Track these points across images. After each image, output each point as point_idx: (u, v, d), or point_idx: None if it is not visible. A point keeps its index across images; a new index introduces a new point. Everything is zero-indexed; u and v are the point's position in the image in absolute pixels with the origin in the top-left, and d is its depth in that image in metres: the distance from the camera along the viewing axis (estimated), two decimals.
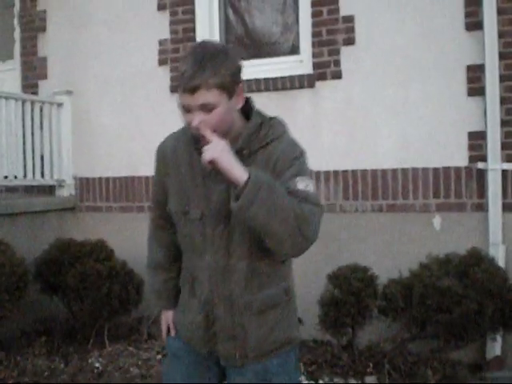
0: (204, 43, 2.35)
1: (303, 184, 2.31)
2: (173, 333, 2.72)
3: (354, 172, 5.69)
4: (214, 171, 2.29)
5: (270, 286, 2.48)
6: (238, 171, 2.21)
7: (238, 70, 2.32)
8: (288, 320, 2.54)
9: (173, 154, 2.53)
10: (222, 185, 2.36)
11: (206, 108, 2.26)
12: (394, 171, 5.58)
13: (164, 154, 2.57)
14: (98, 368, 5.17)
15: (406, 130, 5.56)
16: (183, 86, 2.25)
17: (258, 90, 5.94)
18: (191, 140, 2.44)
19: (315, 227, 2.28)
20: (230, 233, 2.41)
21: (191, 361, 2.63)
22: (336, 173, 5.74)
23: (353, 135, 5.72)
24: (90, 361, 5.27)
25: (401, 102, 5.58)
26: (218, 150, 2.22)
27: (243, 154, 2.37)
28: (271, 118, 2.48)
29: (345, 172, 5.72)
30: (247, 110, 2.45)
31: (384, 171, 5.60)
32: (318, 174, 5.78)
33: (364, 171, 5.66)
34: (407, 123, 5.56)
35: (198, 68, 2.23)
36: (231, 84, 2.28)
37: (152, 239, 2.80)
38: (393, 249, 5.52)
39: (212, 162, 2.23)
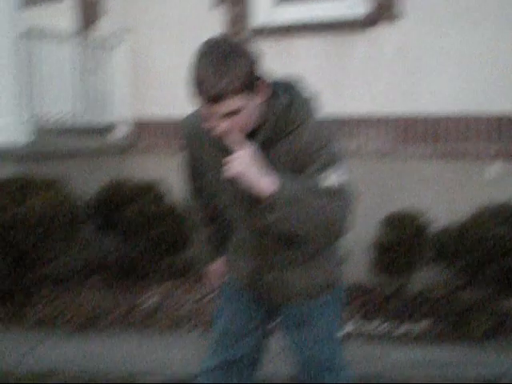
0: (216, 43, 2.18)
1: (330, 178, 2.22)
2: (222, 280, 2.79)
3: (409, 117, 5.62)
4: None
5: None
6: (264, 185, 2.15)
7: (256, 65, 2.18)
8: (330, 263, 2.58)
9: (195, 134, 2.47)
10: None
11: (231, 114, 2.16)
12: (452, 116, 5.48)
13: (188, 133, 2.52)
14: (151, 305, 5.27)
15: (465, 74, 5.44)
16: (204, 96, 2.13)
17: (311, 34, 5.86)
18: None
19: (344, 223, 2.25)
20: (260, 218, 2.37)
21: (239, 297, 2.70)
22: (391, 118, 5.68)
23: (410, 79, 5.63)
24: (143, 298, 5.37)
25: (462, 45, 5.45)
26: (242, 164, 2.15)
27: (267, 144, 2.30)
28: (294, 98, 2.32)
29: (400, 117, 5.65)
30: (269, 92, 2.30)
31: (441, 116, 5.52)
32: (374, 118, 5.72)
33: (423, 115, 5.57)
34: (468, 67, 5.43)
35: (216, 74, 2.09)
36: (253, 82, 2.17)
37: (193, 201, 2.82)
38: (447, 195, 5.47)
39: (237, 176, 2.18)
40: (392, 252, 4.96)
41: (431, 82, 5.55)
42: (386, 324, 5.01)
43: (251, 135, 2.27)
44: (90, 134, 7.22)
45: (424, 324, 4.94)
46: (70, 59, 6.46)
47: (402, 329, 4.93)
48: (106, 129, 7.03)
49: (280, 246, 2.47)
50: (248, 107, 2.17)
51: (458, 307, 4.99)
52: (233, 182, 2.26)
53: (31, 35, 6.02)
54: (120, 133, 6.92)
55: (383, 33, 5.69)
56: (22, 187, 5.34)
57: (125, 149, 6.86)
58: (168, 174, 6.19)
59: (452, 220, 5.05)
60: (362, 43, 5.77)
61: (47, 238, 5.06)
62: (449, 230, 5.01)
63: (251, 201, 2.29)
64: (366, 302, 5.32)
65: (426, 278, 5.17)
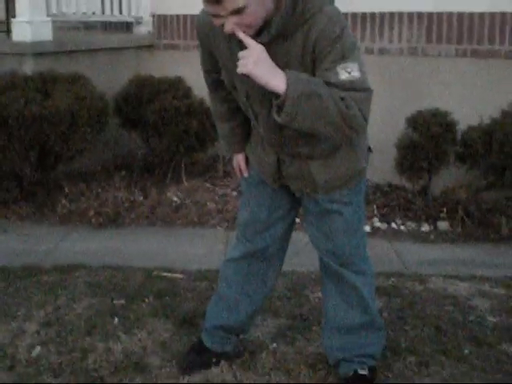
0: None
1: (345, 71, 2.14)
2: (245, 174, 2.79)
3: (438, 14, 5.47)
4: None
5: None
6: (274, 82, 2.12)
7: None
8: (354, 155, 2.56)
9: (211, 30, 2.39)
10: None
11: (237, 12, 2.08)
12: (481, 15, 5.33)
13: (204, 29, 2.44)
14: (175, 202, 5.32)
15: None
16: None
17: None
18: None
19: (364, 114, 2.17)
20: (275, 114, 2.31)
21: (264, 188, 2.72)
22: (420, 14, 5.53)
23: None
24: (168, 195, 5.41)
25: None
26: (251, 63, 2.11)
27: (280, 37, 2.21)
28: None
29: (429, 14, 5.50)
30: None
31: (471, 14, 5.36)
32: (400, 15, 5.58)
33: (449, 14, 5.43)
34: None
35: None
36: None
37: (212, 97, 2.77)
38: (475, 95, 5.38)
39: (247, 75, 2.14)
40: (416, 151, 4.92)
41: None
42: (408, 223, 5.03)
43: (264, 29, 2.20)
44: (114, 30, 7.15)
45: (446, 224, 4.95)
46: None
47: (424, 228, 4.95)
48: (129, 25, 6.93)
49: (299, 141, 2.45)
50: (253, 4, 2.09)
51: (481, 208, 4.98)
52: (247, 81, 2.23)
53: None
54: (142, 29, 6.82)
55: None
56: (47, 82, 5.33)
57: (148, 45, 6.78)
58: (191, 70, 6.12)
59: (478, 121, 4.98)
60: None
61: (72, 133, 5.07)
62: (475, 129, 4.94)
63: (265, 97, 2.28)
64: (389, 201, 5.33)
65: (449, 178, 5.14)
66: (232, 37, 2.22)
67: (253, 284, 2.86)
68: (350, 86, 2.14)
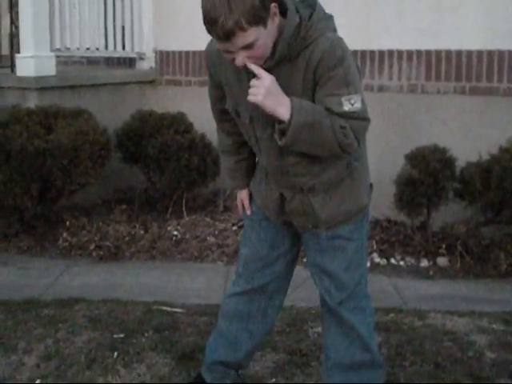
0: None
1: (349, 103, 2.25)
2: (248, 212, 2.80)
3: (437, 52, 5.54)
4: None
5: (331, 168, 2.49)
6: (280, 110, 2.23)
7: None
8: (356, 189, 2.57)
9: (218, 57, 2.45)
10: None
11: (247, 47, 2.16)
12: (480, 52, 5.40)
13: (212, 58, 2.52)
14: (176, 236, 5.34)
15: (494, 10, 5.33)
16: (216, 34, 2.13)
17: None
18: None
19: (359, 140, 2.32)
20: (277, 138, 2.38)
21: (267, 224, 2.73)
22: (419, 52, 5.60)
23: (438, 14, 5.52)
24: (168, 229, 5.44)
25: None
26: (261, 94, 2.21)
27: (284, 60, 2.29)
28: (311, 14, 2.29)
29: (428, 52, 5.57)
30: (282, 11, 2.26)
31: (469, 52, 5.43)
32: (400, 53, 5.65)
33: (448, 51, 5.50)
34: (496, 2, 5.33)
35: (224, 10, 2.07)
36: (263, 11, 2.13)
37: (219, 129, 2.81)
38: (473, 132, 5.43)
39: (257, 104, 2.24)
40: (415, 187, 4.95)
41: (456, 18, 5.44)
42: (407, 258, 5.05)
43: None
44: (116, 65, 7.23)
45: (445, 260, 4.97)
46: None
47: (423, 264, 4.97)
48: (132, 60, 7.01)
49: (300, 168, 2.48)
50: (262, 37, 2.17)
51: (480, 244, 5.00)
52: (254, 106, 2.31)
53: None
54: (145, 65, 6.90)
55: None
56: (50, 117, 5.39)
57: (150, 80, 6.85)
58: (192, 106, 6.19)
59: (477, 157, 5.02)
60: None
61: (74, 167, 5.11)
62: (474, 165, 4.98)
63: (268, 120, 2.34)
64: (388, 237, 5.35)
65: (448, 214, 5.17)
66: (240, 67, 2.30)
67: (253, 321, 2.85)
68: (351, 116, 2.27)
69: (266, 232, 2.73)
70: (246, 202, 2.81)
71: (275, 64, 2.29)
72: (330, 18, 2.36)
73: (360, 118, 2.29)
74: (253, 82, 2.24)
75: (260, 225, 2.75)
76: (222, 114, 2.71)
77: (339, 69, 2.24)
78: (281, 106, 2.23)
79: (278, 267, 2.76)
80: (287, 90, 2.28)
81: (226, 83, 2.51)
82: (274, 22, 2.21)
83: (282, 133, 2.26)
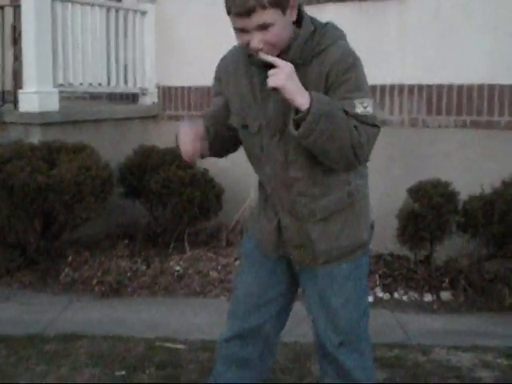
0: None
1: (362, 106, 2.27)
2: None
3: (438, 86, 5.57)
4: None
5: (333, 193, 2.47)
6: (300, 99, 2.21)
7: None
8: (356, 224, 2.53)
9: (234, 68, 2.50)
10: (279, 95, 2.32)
11: (263, 28, 2.22)
12: (481, 87, 5.43)
13: (225, 68, 2.55)
14: (178, 271, 5.33)
15: (494, 46, 5.38)
16: (237, 9, 2.20)
17: (341, 0, 5.80)
18: (247, 54, 2.39)
19: (369, 149, 2.30)
20: (286, 144, 2.40)
21: (262, 263, 2.67)
22: (420, 87, 5.64)
23: (439, 49, 5.57)
24: (170, 264, 5.43)
25: (491, 15, 5.38)
26: (282, 78, 2.21)
27: (297, 65, 2.31)
28: (325, 24, 2.39)
29: (429, 86, 5.61)
30: (298, 19, 2.35)
31: (470, 86, 5.47)
32: (401, 87, 5.69)
33: (449, 86, 5.53)
34: (496, 38, 5.37)
35: None
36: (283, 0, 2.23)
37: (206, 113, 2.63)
38: (475, 165, 5.44)
39: (276, 89, 2.23)
40: (418, 221, 4.95)
41: (457, 53, 5.49)
42: (410, 293, 5.03)
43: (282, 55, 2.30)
44: (119, 100, 7.27)
45: (448, 294, 4.95)
46: (100, 25, 6.46)
47: (427, 298, 4.95)
48: (135, 96, 7.05)
49: (303, 188, 2.45)
50: (279, 23, 2.23)
51: (483, 278, 4.98)
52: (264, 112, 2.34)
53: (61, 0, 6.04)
54: (147, 100, 6.95)
55: (410, 5, 5.64)
56: (52, 152, 5.41)
57: (153, 115, 6.89)
58: None
59: (479, 191, 5.03)
60: (391, 12, 5.72)
61: (76, 202, 5.12)
62: (476, 199, 4.98)
63: (278, 127, 2.35)
64: (391, 271, 5.33)
65: (451, 247, 5.16)
66: (254, 71, 2.38)
67: (250, 366, 2.75)
68: (364, 120, 2.26)
69: (262, 271, 2.67)
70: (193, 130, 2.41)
71: None
72: (342, 31, 2.42)
73: (371, 124, 2.28)
74: (272, 70, 2.23)
75: (256, 263, 2.68)
76: (214, 125, 2.55)
77: (351, 73, 2.29)
78: (300, 95, 2.22)
79: (273, 308, 2.68)
80: None
81: (236, 96, 2.50)
82: (292, 16, 2.28)
83: (297, 126, 2.24)
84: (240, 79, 2.48)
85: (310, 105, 2.20)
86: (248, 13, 2.19)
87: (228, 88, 2.54)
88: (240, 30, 2.26)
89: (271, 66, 2.27)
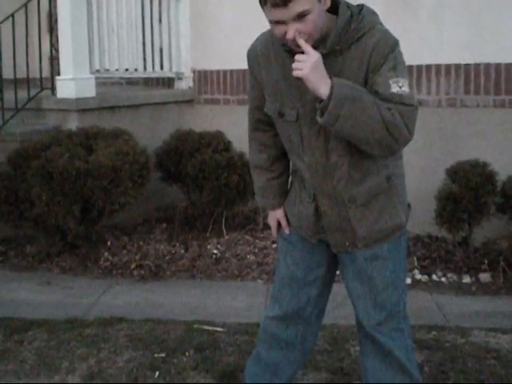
0: None
1: (397, 85, 2.27)
2: (287, 230, 2.73)
3: (476, 65, 5.50)
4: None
5: (372, 177, 2.48)
6: (323, 89, 2.22)
7: None
8: (393, 206, 2.54)
9: (264, 55, 2.50)
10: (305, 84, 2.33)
11: (300, 17, 2.20)
12: None
13: (256, 56, 2.54)
14: (216, 254, 5.35)
15: None
16: (272, 1, 2.19)
17: None
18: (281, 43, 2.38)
19: (409, 128, 2.28)
20: (326, 131, 2.40)
21: (302, 246, 2.69)
22: (457, 66, 5.57)
23: (476, 27, 5.49)
24: (208, 247, 5.46)
25: None
26: (307, 68, 2.21)
27: (336, 51, 2.32)
28: (360, 9, 2.38)
29: (467, 65, 5.53)
30: (334, 4, 2.35)
31: (508, 65, 5.38)
32: (438, 67, 5.63)
33: (487, 65, 5.45)
34: None
35: None
36: None
37: (251, 141, 2.77)
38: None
39: (300, 78, 2.24)
40: (456, 202, 4.91)
41: (494, 31, 5.40)
42: (449, 275, 4.99)
43: (318, 45, 2.31)
44: (155, 85, 7.29)
45: (487, 275, 4.90)
46: (136, 10, 6.48)
47: (465, 280, 4.91)
48: (171, 80, 7.07)
49: (344, 174, 2.46)
50: (315, 11, 2.22)
51: None
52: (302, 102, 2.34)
53: None
54: (183, 84, 6.96)
55: None
56: (90, 138, 5.46)
57: (189, 100, 6.90)
58: (231, 124, 6.22)
59: None
60: None
61: (114, 187, 5.16)
62: None
63: (313, 111, 2.33)
64: (430, 253, 5.30)
65: (490, 229, 5.11)
66: (287, 57, 2.37)
67: (292, 349, 2.79)
68: (399, 100, 2.26)
69: (301, 254, 2.69)
70: (284, 221, 2.74)
71: (327, 53, 2.31)
72: (376, 14, 2.42)
73: (408, 104, 2.28)
74: (298, 56, 2.24)
75: (295, 247, 2.70)
76: (257, 123, 2.70)
77: (390, 55, 2.30)
78: (323, 84, 2.23)
79: (313, 291, 2.71)
80: None
81: (269, 84, 2.52)
82: (326, 4, 2.28)
83: (323, 112, 2.25)
84: (272, 67, 2.48)
85: (331, 91, 2.21)
86: (285, 2, 2.18)
87: (261, 77, 2.54)
88: (276, 22, 2.25)
89: (302, 53, 2.28)
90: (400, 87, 2.27)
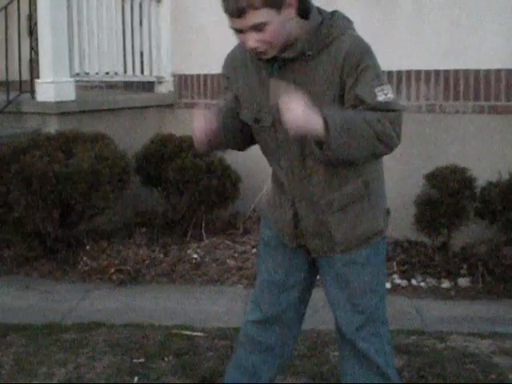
0: None
1: (382, 94, 2.25)
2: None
3: (455, 72, 5.54)
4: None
5: (350, 182, 2.47)
6: (316, 126, 2.16)
7: None
8: (372, 212, 2.53)
9: (241, 64, 2.49)
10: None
11: (257, 28, 2.20)
12: (498, 72, 5.40)
13: (233, 65, 2.53)
14: (195, 259, 5.34)
15: (507, 30, 5.33)
16: (229, 10, 2.20)
17: None
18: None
19: (398, 133, 2.28)
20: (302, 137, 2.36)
21: (282, 250, 2.68)
22: (437, 72, 5.60)
23: (455, 33, 5.53)
24: (188, 252, 5.44)
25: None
26: (295, 122, 2.14)
27: (306, 57, 2.31)
28: (332, 14, 2.35)
29: (446, 72, 5.57)
30: (305, 9, 2.32)
31: (487, 71, 5.43)
32: (418, 73, 5.66)
33: (466, 71, 5.50)
34: (509, 22, 5.33)
35: None
36: None
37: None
38: (493, 151, 5.40)
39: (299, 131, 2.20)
40: (436, 207, 4.94)
41: (474, 38, 5.44)
42: (428, 279, 5.01)
43: (286, 50, 2.29)
44: (135, 89, 7.28)
45: (466, 280, 4.93)
46: (116, 14, 6.46)
47: (444, 285, 4.93)
48: (151, 84, 7.06)
49: (321, 178, 2.45)
50: (274, 22, 2.20)
51: (502, 264, 4.96)
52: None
53: None
54: (163, 88, 6.95)
55: None
56: (70, 141, 5.43)
57: (169, 104, 6.89)
58: None
59: (496, 177, 5.00)
60: None
61: (94, 191, 5.14)
62: (494, 185, 4.96)
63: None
64: (409, 258, 5.32)
65: (469, 234, 5.14)
66: (260, 65, 2.36)
67: (272, 353, 2.78)
68: (386, 108, 2.25)
69: (281, 258, 2.68)
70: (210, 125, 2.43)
71: (295, 57, 2.29)
72: (350, 21, 2.39)
73: (395, 110, 2.27)
74: (284, 99, 2.17)
75: (275, 251, 2.70)
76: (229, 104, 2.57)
77: (367, 62, 2.27)
78: (316, 121, 2.16)
79: (293, 295, 2.71)
80: (308, 87, 2.29)
81: (245, 90, 2.49)
82: (289, 12, 2.24)
83: (320, 147, 2.22)
84: (249, 73, 2.47)
85: (328, 128, 2.17)
86: (239, 14, 2.18)
87: (237, 84, 2.52)
88: (236, 30, 2.26)
89: (275, 59, 2.27)
90: (385, 94, 2.26)
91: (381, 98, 2.25)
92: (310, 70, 2.31)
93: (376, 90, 2.25)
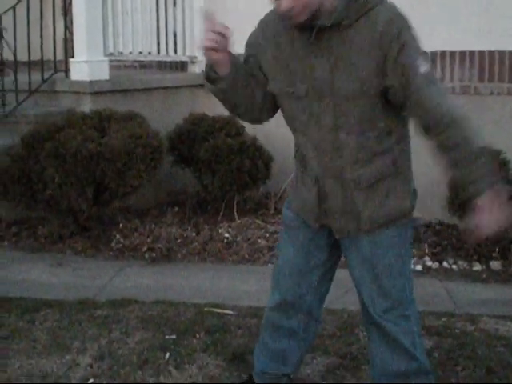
0: None
1: (424, 66, 2.28)
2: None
3: (490, 53, 5.47)
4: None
5: (379, 159, 2.45)
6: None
7: None
8: (400, 191, 2.52)
9: (272, 33, 2.48)
10: (324, 58, 2.32)
11: None
12: None
13: (263, 35, 2.51)
14: (227, 238, 5.37)
15: None
16: None
17: None
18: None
19: (446, 101, 2.37)
20: (336, 107, 2.37)
21: (304, 231, 2.66)
22: (471, 53, 5.54)
23: (491, 15, 5.45)
24: (219, 231, 5.47)
25: None
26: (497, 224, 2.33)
27: (343, 26, 2.29)
28: None
29: (481, 53, 5.51)
30: None
31: None
32: (452, 54, 5.60)
33: (501, 52, 5.43)
34: None
35: None
36: None
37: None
38: None
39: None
40: None
41: (509, 18, 5.36)
42: (460, 262, 4.99)
43: (321, 18, 2.29)
44: (169, 69, 7.30)
45: (498, 263, 4.90)
46: None
47: (476, 267, 4.91)
48: (184, 64, 7.07)
49: (350, 152, 2.43)
50: None
51: None
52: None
53: None
54: (196, 68, 6.95)
55: None
56: (103, 120, 5.47)
57: (201, 84, 6.83)
58: None
59: None
60: None
61: (127, 170, 5.18)
62: None
63: (328, 93, 2.34)
64: (441, 240, 5.30)
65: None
66: (295, 34, 2.37)
67: (296, 337, 2.81)
68: (431, 79, 2.32)
69: (302, 239, 2.66)
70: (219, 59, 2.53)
71: (332, 24, 2.28)
72: None
73: (437, 81, 2.37)
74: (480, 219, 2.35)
75: (297, 232, 2.68)
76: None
77: (409, 32, 2.31)
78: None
79: (313, 278, 2.70)
80: (341, 56, 2.30)
81: (274, 62, 2.47)
82: None
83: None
84: (281, 43, 2.45)
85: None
86: None
87: (267, 53, 2.50)
88: None
89: (312, 27, 2.27)
90: (426, 68, 2.30)
91: (422, 69, 2.27)
92: (346, 39, 2.30)
93: (418, 62, 2.28)
